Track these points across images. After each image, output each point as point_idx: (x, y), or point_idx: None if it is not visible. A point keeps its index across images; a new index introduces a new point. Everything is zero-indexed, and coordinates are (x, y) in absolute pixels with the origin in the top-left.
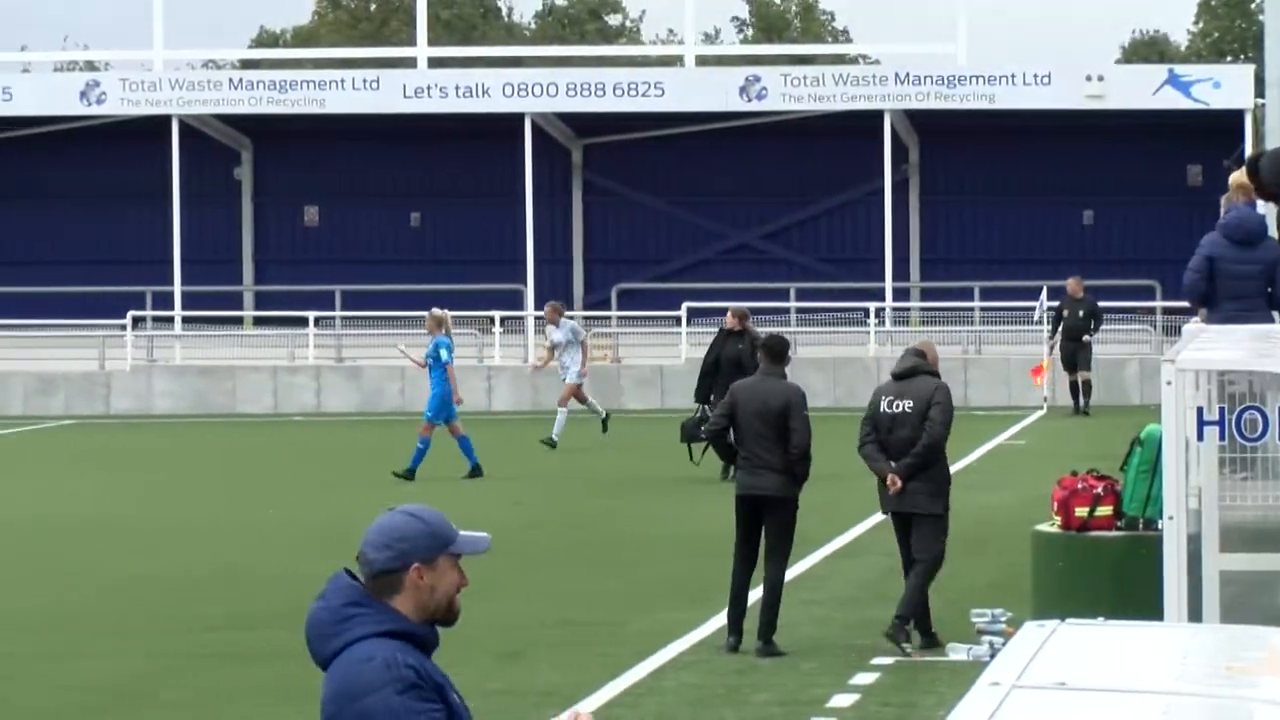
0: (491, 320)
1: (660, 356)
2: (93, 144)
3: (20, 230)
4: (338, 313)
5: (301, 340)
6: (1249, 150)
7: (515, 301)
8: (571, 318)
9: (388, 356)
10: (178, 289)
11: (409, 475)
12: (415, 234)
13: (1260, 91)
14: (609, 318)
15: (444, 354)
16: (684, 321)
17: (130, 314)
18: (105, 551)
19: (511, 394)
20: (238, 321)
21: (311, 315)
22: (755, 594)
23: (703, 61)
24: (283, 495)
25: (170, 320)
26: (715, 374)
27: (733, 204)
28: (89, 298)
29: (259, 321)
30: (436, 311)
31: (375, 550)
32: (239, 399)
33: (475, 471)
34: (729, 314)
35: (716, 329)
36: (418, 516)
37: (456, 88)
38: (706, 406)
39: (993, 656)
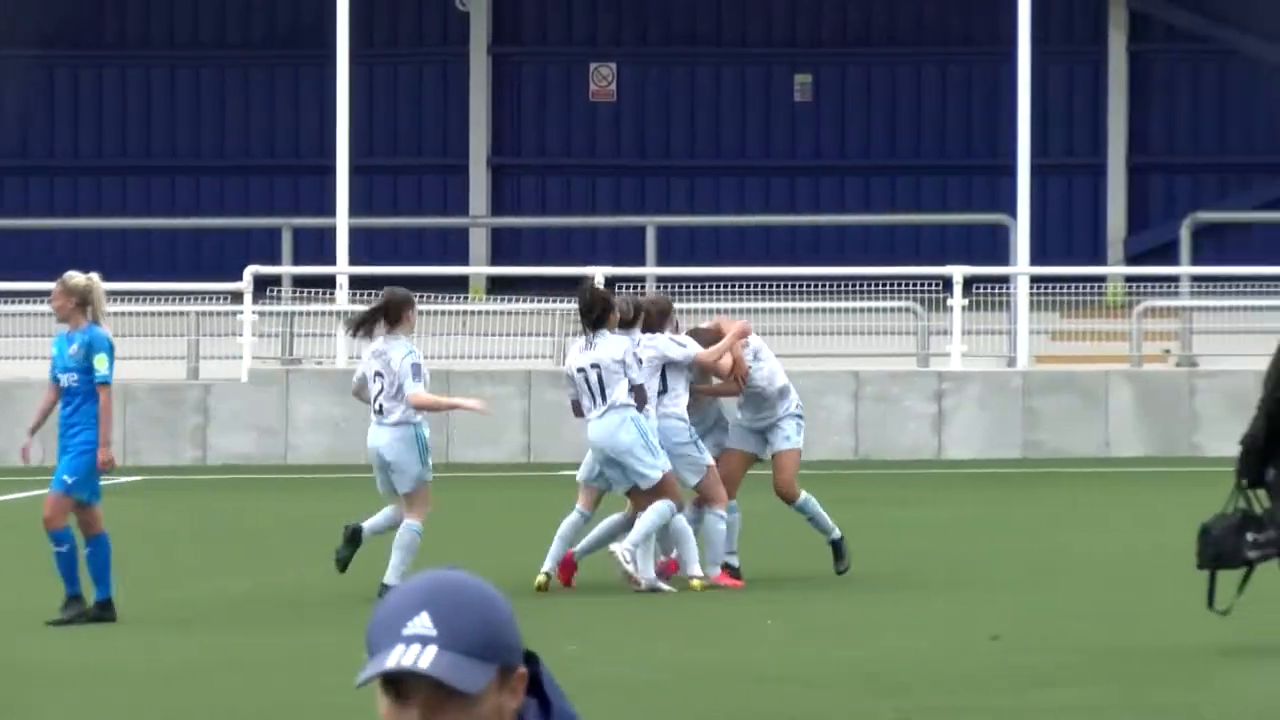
0: None
1: None
2: None
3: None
4: (651, 269)
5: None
6: None
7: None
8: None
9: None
10: (343, 222)
11: None
12: (806, 111)
13: None
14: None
15: None
16: None
17: (250, 272)
18: None
19: None
20: (460, 285)
21: (601, 272)
22: None
23: None
24: None
25: (328, 285)
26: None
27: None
28: (182, 240)
29: (500, 286)
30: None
31: None
32: (457, 436)
33: None
34: None
35: None
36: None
37: None
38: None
39: None
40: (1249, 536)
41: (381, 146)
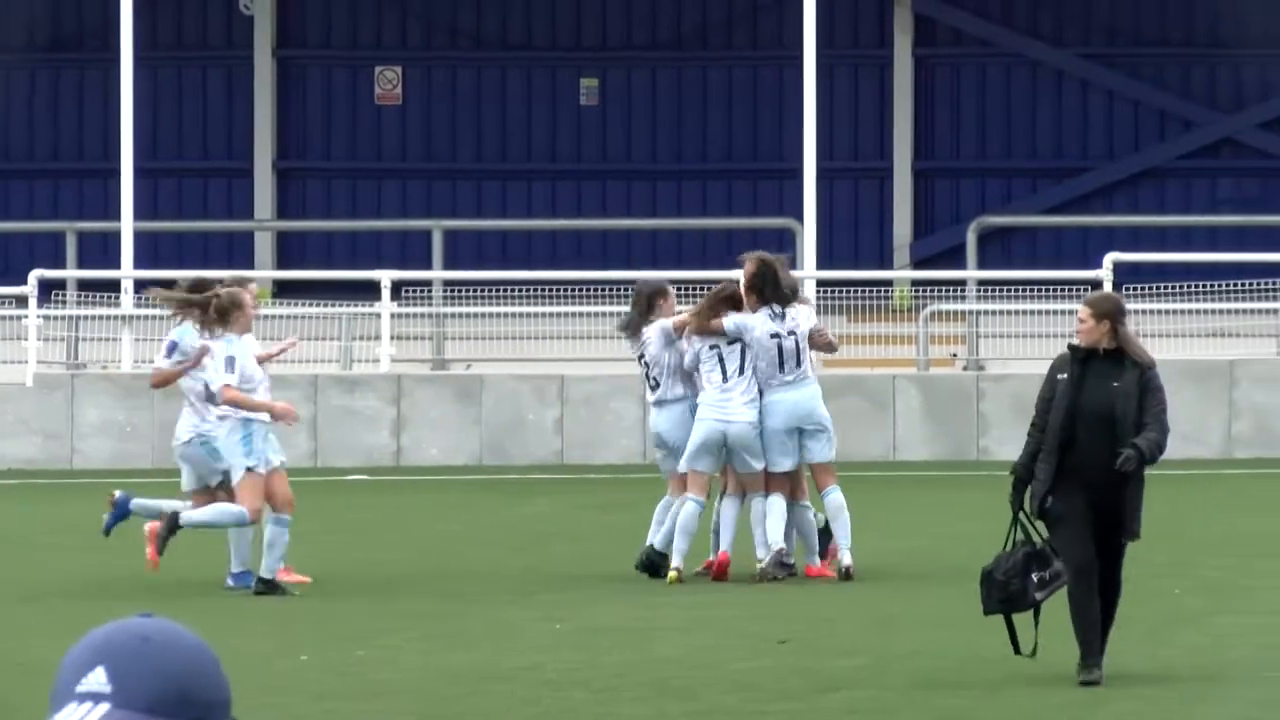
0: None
1: None
2: None
3: None
4: (438, 273)
5: (369, 326)
6: None
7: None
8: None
9: (540, 359)
10: (128, 226)
11: None
12: (593, 115)
13: None
14: None
15: None
16: None
17: (35, 275)
18: None
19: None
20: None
21: (388, 276)
22: None
23: None
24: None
25: (113, 289)
26: None
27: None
28: None
29: (287, 290)
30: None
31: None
32: None
33: None
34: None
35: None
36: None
37: None
38: None
39: None
40: (1034, 577)
41: (166, 150)
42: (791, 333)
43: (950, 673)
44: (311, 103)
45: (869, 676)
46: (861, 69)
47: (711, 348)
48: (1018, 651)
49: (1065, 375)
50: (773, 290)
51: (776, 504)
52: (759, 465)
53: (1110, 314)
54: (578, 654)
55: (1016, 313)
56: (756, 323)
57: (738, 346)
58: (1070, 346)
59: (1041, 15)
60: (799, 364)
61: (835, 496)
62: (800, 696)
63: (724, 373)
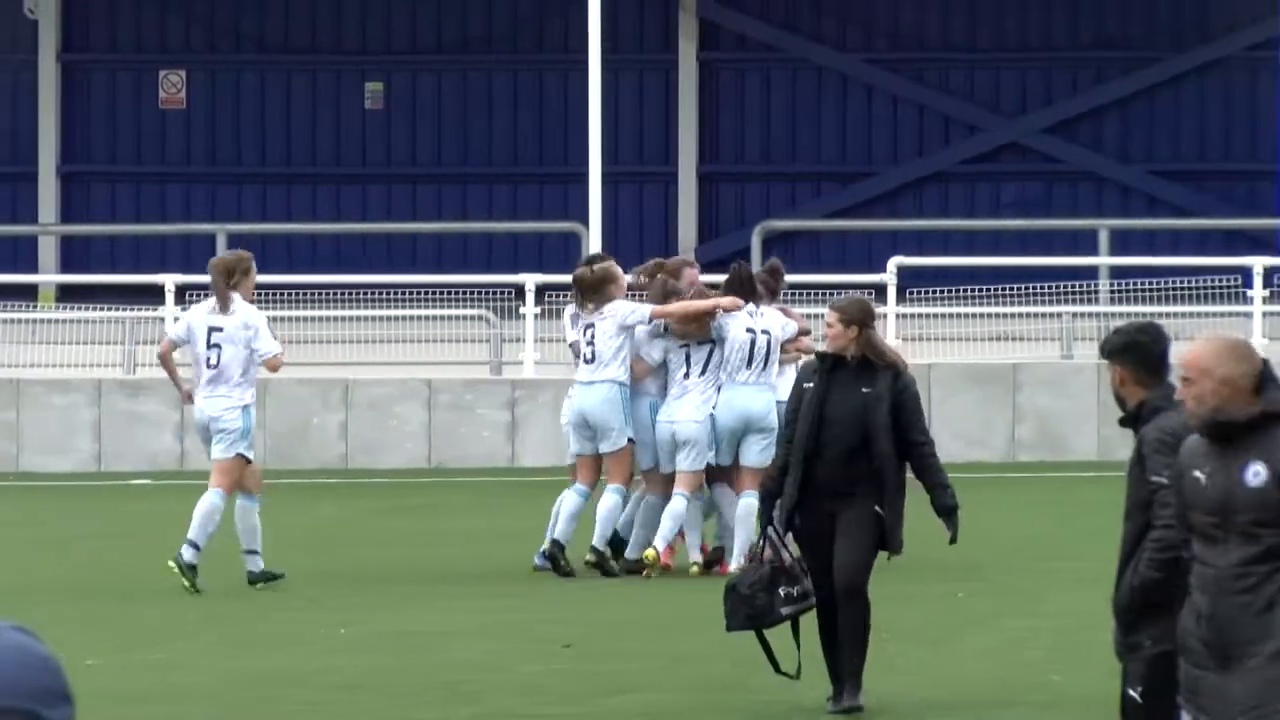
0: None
1: None
2: None
3: None
4: None
5: (152, 330)
6: None
7: None
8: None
9: (324, 364)
10: None
11: None
12: (378, 119)
13: None
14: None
15: None
16: None
17: None
18: None
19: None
20: (29, 293)
21: (172, 280)
22: None
23: None
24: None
25: None
26: None
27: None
28: None
29: (70, 294)
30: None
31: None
32: (27, 445)
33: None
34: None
35: None
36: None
37: None
38: None
39: None
40: (781, 591)
41: None
42: (765, 331)
43: (738, 676)
44: (96, 106)
45: (654, 680)
46: (646, 73)
47: (681, 345)
48: (778, 671)
49: (812, 384)
50: (749, 291)
51: (744, 502)
52: (698, 465)
53: (859, 320)
54: (368, 658)
55: (799, 317)
56: (734, 319)
57: (706, 348)
58: (818, 354)
59: (825, 20)
60: (765, 367)
61: (750, 502)
62: (585, 700)
63: (687, 371)
